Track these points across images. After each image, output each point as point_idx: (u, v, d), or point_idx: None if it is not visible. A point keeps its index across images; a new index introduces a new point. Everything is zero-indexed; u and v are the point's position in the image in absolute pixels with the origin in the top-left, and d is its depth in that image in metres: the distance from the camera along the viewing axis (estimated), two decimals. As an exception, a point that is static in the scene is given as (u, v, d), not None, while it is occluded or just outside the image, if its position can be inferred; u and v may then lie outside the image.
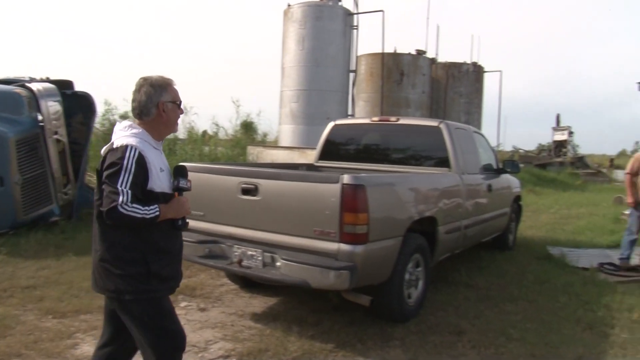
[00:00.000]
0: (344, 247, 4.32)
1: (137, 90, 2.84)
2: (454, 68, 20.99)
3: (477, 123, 21.20)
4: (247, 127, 21.65)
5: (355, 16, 16.72)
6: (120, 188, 2.62)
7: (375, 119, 7.15)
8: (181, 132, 17.42)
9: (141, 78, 2.87)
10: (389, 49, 19.28)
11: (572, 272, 7.25)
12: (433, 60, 20.92)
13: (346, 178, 4.34)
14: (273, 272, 4.65)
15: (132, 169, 2.66)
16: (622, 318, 5.46)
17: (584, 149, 32.46)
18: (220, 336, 4.70)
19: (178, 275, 2.97)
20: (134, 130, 2.79)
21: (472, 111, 21.02)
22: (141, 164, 2.69)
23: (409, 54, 19.55)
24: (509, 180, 8.42)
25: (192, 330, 4.71)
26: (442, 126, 6.46)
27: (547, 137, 32.22)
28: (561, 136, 30.30)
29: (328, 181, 4.44)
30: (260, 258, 4.75)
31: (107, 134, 16.01)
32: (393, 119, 6.86)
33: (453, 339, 4.74)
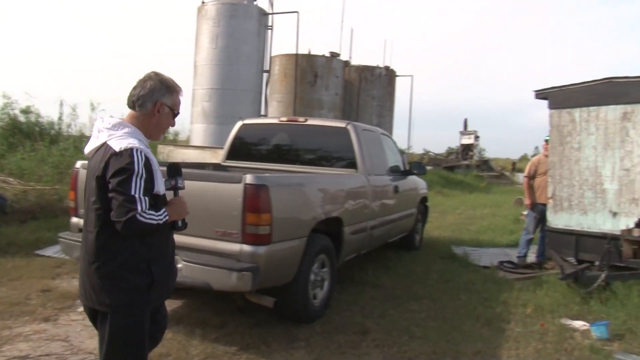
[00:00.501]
0: (247, 248, 4.26)
1: (144, 81, 2.74)
2: (367, 71, 21.40)
3: (389, 126, 21.71)
4: (157, 126, 20.99)
5: (270, 16, 16.67)
6: (136, 195, 2.48)
7: (284, 119, 7.12)
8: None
9: (153, 72, 2.78)
10: (303, 51, 19.44)
11: (474, 270, 7.54)
12: (346, 63, 21.24)
13: (249, 178, 4.28)
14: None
15: (144, 174, 2.54)
16: (518, 313, 5.72)
17: (489, 153, 34.11)
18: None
19: (172, 281, 2.86)
20: (127, 129, 2.66)
21: (384, 114, 21.50)
22: (148, 167, 2.58)
23: (323, 56, 19.74)
24: (416, 181, 8.65)
25: (90, 337, 4.47)
26: (349, 127, 6.52)
27: (456, 140, 33.52)
28: (468, 140, 31.66)
29: (230, 181, 4.36)
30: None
31: (6, 129, 15.10)
32: (301, 119, 6.86)
33: (357, 338, 4.78)
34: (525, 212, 12.40)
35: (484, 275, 7.26)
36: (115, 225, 2.50)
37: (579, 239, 7.12)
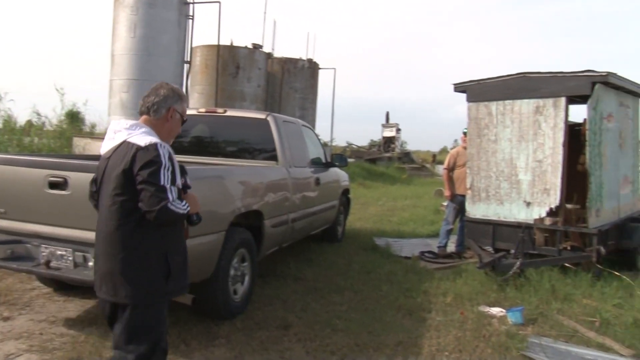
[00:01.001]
0: (162, 243, 4.08)
1: (157, 89, 2.94)
2: (289, 63, 21.26)
3: (312, 118, 21.71)
4: (73, 118, 20.12)
5: (191, 5, 16.22)
6: (166, 186, 2.67)
7: (203, 110, 6.92)
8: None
9: (164, 82, 3.01)
10: (225, 42, 19.07)
11: (396, 261, 7.63)
12: (269, 55, 21.02)
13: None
14: (85, 273, 4.26)
15: (169, 166, 2.72)
16: (438, 302, 5.83)
17: (410, 146, 34.98)
18: (25, 347, 4.22)
19: (186, 276, 2.98)
20: (145, 129, 2.84)
21: (307, 106, 21.47)
22: (172, 161, 2.76)
23: (246, 47, 19.46)
24: (338, 173, 8.65)
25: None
26: (269, 119, 6.42)
27: (378, 133, 34.10)
28: (390, 133, 32.30)
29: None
30: (70, 258, 4.33)
31: None
32: (220, 110, 6.69)
33: (280, 333, 4.70)
34: (445, 203, 12.73)
35: (406, 265, 7.36)
36: (145, 216, 2.66)
37: (496, 229, 7.34)
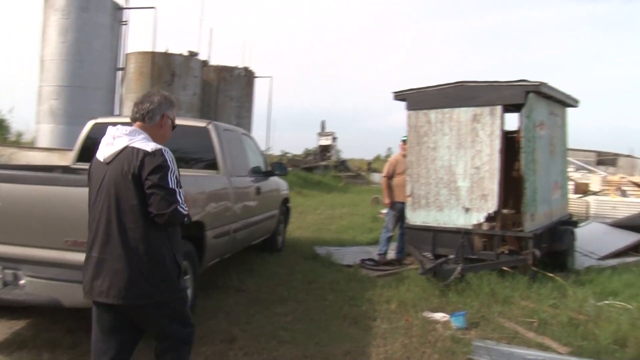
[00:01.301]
0: (102, 257, 3.88)
1: (149, 96, 3.04)
2: (225, 72, 21.01)
3: (248, 127, 21.51)
4: (-2, 126, 19.23)
5: (125, 11, 15.80)
6: (176, 189, 2.80)
7: (139, 117, 6.67)
8: None
9: (153, 90, 3.17)
10: (160, 49, 18.70)
11: (338, 270, 7.60)
12: (205, 63, 20.72)
13: (103, 180, 3.90)
14: (16, 293, 4.01)
15: (175, 170, 2.86)
16: (382, 310, 5.83)
17: (345, 154, 35.10)
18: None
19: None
20: (144, 135, 2.92)
21: (243, 115, 21.27)
22: (175, 165, 2.90)
23: (181, 54, 19.11)
24: (278, 182, 8.57)
25: None
26: (210, 127, 6.27)
27: (313, 141, 34.22)
28: (326, 141, 32.42)
29: (82, 184, 3.93)
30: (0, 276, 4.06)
31: None
32: (158, 118, 6.47)
33: (225, 347, 4.56)
34: (384, 211, 12.86)
35: (348, 274, 7.34)
36: (155, 219, 2.77)
37: (436, 235, 7.44)
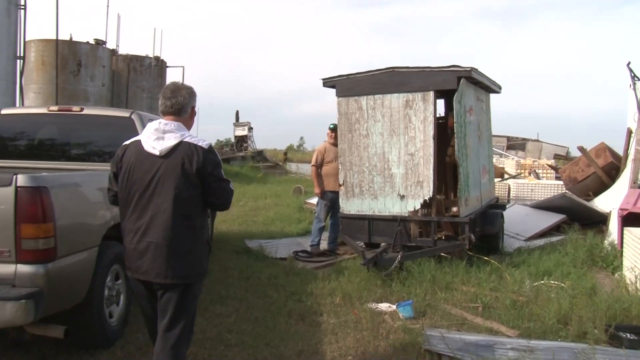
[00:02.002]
0: (24, 268, 3.40)
1: (177, 91, 3.18)
2: (135, 61, 19.96)
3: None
4: None
5: (22, -5, 14.52)
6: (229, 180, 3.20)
7: (54, 108, 6.03)
8: None
9: (177, 83, 3.28)
10: (63, 36, 17.37)
11: (273, 263, 7.31)
12: (114, 52, 19.58)
13: (21, 179, 3.41)
14: None
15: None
16: (327, 304, 5.61)
17: (261, 144, 34.55)
18: None
19: None
20: (187, 131, 3.15)
21: (155, 106, 20.07)
22: None
23: (87, 43, 17.90)
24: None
25: None
26: (134, 117, 5.76)
27: (226, 133, 33.48)
28: (242, 132, 31.69)
29: (5, 183, 3.43)
30: None
31: None
32: (76, 108, 5.87)
33: (167, 356, 4.17)
34: (310, 200, 12.69)
35: (284, 267, 7.06)
36: (218, 208, 3.40)
37: (371, 223, 7.31)
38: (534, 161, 14.89)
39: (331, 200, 8.15)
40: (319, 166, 8.30)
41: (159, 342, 3.07)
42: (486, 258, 7.04)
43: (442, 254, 6.97)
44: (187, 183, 2.99)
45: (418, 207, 7.02)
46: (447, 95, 7.65)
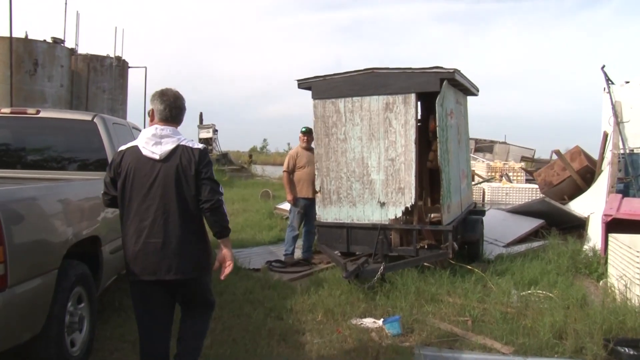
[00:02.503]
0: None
1: (176, 99, 3.36)
2: (96, 61, 19.12)
3: (122, 122, 19.87)
4: None
5: (-30, -9, 13.72)
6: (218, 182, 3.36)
7: (6, 110, 5.46)
8: None
9: (171, 89, 3.40)
10: (18, 34, 16.50)
11: (247, 275, 6.84)
12: (73, 51, 18.71)
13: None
14: None
15: None
16: (309, 321, 5.20)
17: (224, 146, 33.73)
18: None
19: None
20: (180, 135, 3.34)
21: (117, 108, 19.53)
22: None
23: (44, 41, 17.04)
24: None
25: None
26: (97, 121, 5.29)
27: (189, 135, 32.57)
28: (207, 134, 30.85)
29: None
30: None
31: None
32: (32, 111, 5.32)
33: (137, 388, 3.71)
34: (280, 205, 12.25)
35: (259, 280, 6.61)
36: (205, 206, 3.21)
37: (349, 232, 6.94)
38: (504, 164, 14.80)
39: (304, 208, 7.76)
40: (290, 172, 7.87)
41: (181, 332, 3.43)
42: (470, 267, 6.75)
43: (425, 263, 6.65)
44: (188, 183, 3.18)
45: (399, 214, 6.68)
46: (425, 97, 7.34)
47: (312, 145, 7.72)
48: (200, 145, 3.32)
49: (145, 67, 22.91)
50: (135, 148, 3.26)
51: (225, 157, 30.01)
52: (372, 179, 6.81)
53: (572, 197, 9.79)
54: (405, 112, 6.62)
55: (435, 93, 6.57)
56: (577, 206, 9.22)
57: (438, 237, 6.79)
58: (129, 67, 20.82)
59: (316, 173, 7.16)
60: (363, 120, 6.82)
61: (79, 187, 4.42)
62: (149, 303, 3.30)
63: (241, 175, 27.52)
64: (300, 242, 8.09)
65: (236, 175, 26.90)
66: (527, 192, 10.95)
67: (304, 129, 7.78)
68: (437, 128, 6.56)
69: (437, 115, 6.56)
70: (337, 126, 6.97)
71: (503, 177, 13.09)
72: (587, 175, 9.74)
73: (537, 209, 8.80)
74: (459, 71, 6.72)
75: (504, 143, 22.55)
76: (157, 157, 3.18)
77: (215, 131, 30.56)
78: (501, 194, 11.30)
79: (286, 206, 9.64)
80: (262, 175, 30.18)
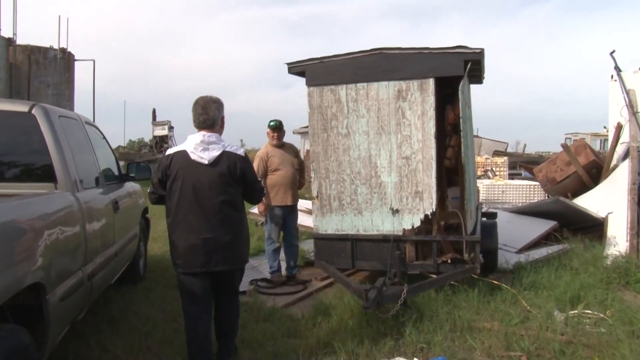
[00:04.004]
0: None
1: (207, 107, 3.62)
2: (38, 53, 17.09)
3: (69, 119, 17.99)
4: None
5: None
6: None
7: None
8: None
9: (204, 98, 3.67)
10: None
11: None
12: (10, 41, 16.64)
13: None
14: None
15: None
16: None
17: (177, 143, 31.73)
18: None
19: None
20: (224, 141, 3.65)
21: (63, 104, 17.51)
22: None
23: (-25, 29, 15.12)
24: (135, 189, 6.20)
25: None
26: (37, 112, 3.84)
27: (141, 132, 30.60)
28: (162, 131, 28.69)
29: None
30: None
31: None
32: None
33: None
34: (251, 210, 10.82)
35: (249, 308, 5.22)
36: (252, 202, 4.07)
37: (355, 245, 5.69)
38: (486, 158, 13.82)
39: (283, 217, 6.43)
40: (262, 176, 6.41)
41: (221, 315, 3.80)
42: (496, 282, 5.62)
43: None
44: (233, 185, 3.54)
45: (417, 223, 5.47)
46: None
47: (285, 140, 6.49)
48: (242, 151, 3.67)
49: (94, 60, 21.02)
50: (184, 152, 3.54)
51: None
52: (382, 182, 5.56)
53: (575, 194, 8.81)
54: (422, 100, 5.40)
55: (453, 78, 5.39)
56: (586, 205, 8.22)
57: (459, 247, 5.62)
58: (76, 60, 18.85)
59: (312, 175, 5.86)
60: (370, 111, 5.56)
61: (11, 210, 2.95)
62: (196, 292, 3.58)
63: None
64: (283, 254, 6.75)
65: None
66: (526, 189, 9.95)
67: (272, 124, 6.39)
68: (460, 120, 5.38)
69: (460, 104, 5.37)
70: (337, 118, 5.69)
71: (489, 173, 12.11)
72: (593, 171, 8.79)
73: (548, 209, 7.75)
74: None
75: (477, 137, 21.75)
76: (205, 162, 3.49)
77: (171, 128, 28.49)
78: (496, 192, 10.27)
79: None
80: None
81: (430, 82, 5.36)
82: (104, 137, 5.68)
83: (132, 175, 5.78)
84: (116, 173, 5.56)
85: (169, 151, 3.67)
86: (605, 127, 26.75)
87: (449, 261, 5.51)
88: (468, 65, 5.31)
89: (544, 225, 7.71)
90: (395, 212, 5.52)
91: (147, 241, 7.06)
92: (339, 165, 5.71)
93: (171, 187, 3.52)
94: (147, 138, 34.36)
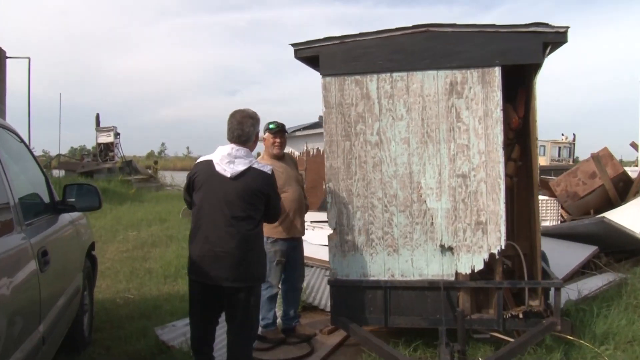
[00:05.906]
0: None
1: (243, 122, 3.40)
2: (-40, 48, 14.69)
3: (1, 125, 15.51)
4: None
5: None
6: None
7: None
8: None
9: (242, 111, 3.46)
10: None
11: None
12: None
13: None
14: None
15: None
16: None
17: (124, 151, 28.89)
18: None
19: None
20: (252, 157, 3.45)
21: (-5, 109, 15.22)
22: None
23: None
24: (73, 221, 4.31)
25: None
26: None
27: (83, 139, 27.78)
28: (107, 138, 25.86)
29: None
30: None
31: None
32: None
33: None
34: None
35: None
36: (271, 221, 3.74)
37: (389, 294, 4.03)
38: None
39: (286, 252, 4.70)
40: None
41: (231, 336, 3.41)
42: (571, 337, 4.10)
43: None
44: (253, 202, 3.31)
45: (480, 265, 3.86)
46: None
47: (287, 150, 4.80)
48: (268, 168, 3.40)
49: (29, 58, 18.59)
50: (210, 162, 3.37)
51: (129, 165, 25.47)
52: (429, 209, 3.93)
53: (597, 211, 7.46)
54: (484, 97, 3.81)
55: (523, 67, 3.86)
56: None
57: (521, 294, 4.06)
58: (8, 57, 16.38)
59: (328, 200, 4.15)
60: (411, 112, 3.93)
61: None
62: (203, 302, 3.37)
63: (150, 185, 23.39)
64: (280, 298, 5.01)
65: (144, 186, 22.70)
66: (543, 205, 8.53)
67: (272, 126, 4.65)
68: (535, 122, 3.82)
69: (530, 102, 3.82)
70: (365, 121, 4.03)
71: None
72: (620, 185, 7.49)
73: (588, 231, 6.32)
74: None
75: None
76: (228, 175, 3.30)
77: (117, 135, 25.84)
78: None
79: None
80: (172, 185, 26.21)
81: (496, 72, 3.79)
82: (28, 148, 3.81)
83: (72, 201, 3.91)
84: (46, 200, 3.71)
85: (200, 159, 3.51)
86: (563, 134, 26.33)
87: (520, 315, 3.93)
88: (547, 50, 3.76)
89: (583, 251, 6.27)
90: (446, 249, 3.90)
91: (94, 286, 5.16)
92: (366, 185, 4.04)
93: (195, 196, 3.40)
94: (90, 145, 31.52)
